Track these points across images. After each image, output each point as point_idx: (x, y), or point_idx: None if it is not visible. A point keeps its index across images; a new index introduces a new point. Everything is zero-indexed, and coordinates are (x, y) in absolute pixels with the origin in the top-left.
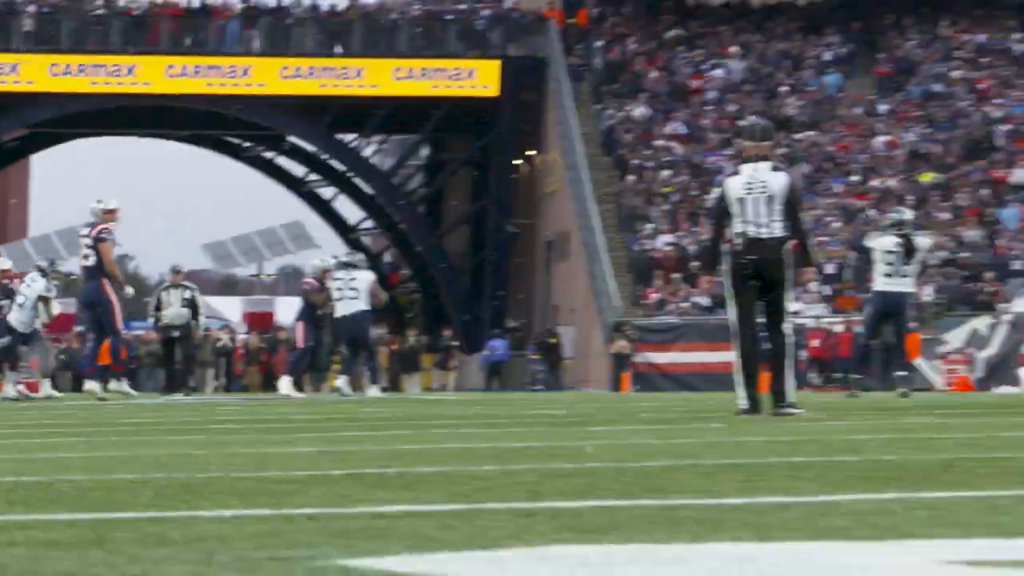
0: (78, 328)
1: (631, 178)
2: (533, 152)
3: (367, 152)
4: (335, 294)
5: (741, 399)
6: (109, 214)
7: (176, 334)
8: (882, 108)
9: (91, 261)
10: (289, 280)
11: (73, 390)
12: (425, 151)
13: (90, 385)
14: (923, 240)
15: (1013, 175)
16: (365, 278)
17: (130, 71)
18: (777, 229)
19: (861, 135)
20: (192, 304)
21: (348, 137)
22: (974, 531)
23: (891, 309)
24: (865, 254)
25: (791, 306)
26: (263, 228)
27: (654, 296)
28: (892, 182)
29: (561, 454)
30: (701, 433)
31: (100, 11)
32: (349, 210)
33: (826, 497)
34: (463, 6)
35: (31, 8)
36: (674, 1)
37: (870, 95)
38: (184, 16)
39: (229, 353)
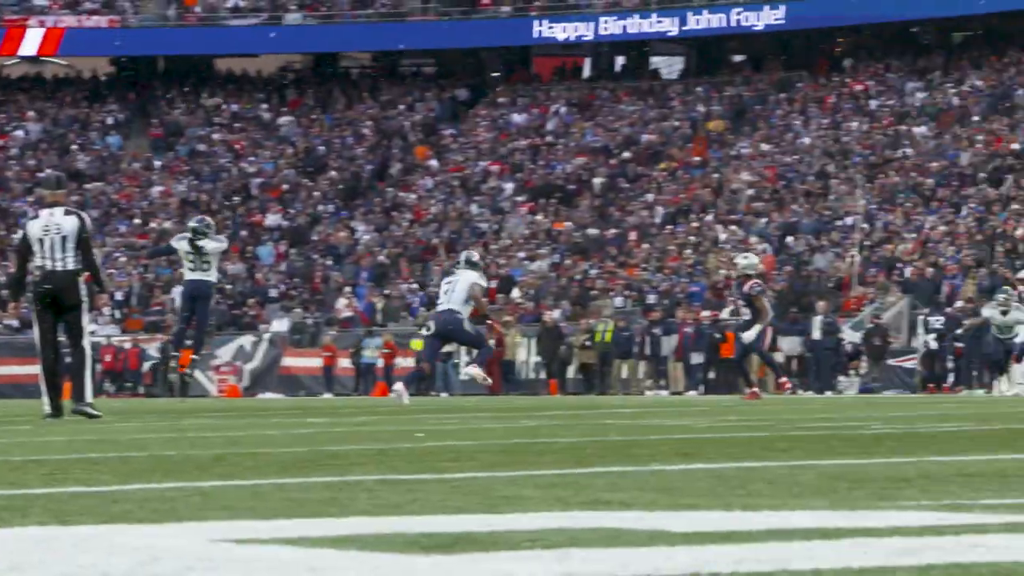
0: None
1: None
2: None
3: None
4: None
5: (46, 405)
6: None
7: None
8: (157, 163)
9: None
10: None
11: None
12: None
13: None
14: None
15: (267, 219)
16: None
17: None
18: (71, 263)
19: (140, 186)
20: None
21: None
22: (240, 514)
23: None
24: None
25: (88, 326)
26: None
27: None
28: (168, 224)
29: None
30: (11, 434)
31: None
32: None
33: (117, 487)
34: None
35: None
36: None
37: (147, 153)
38: None
39: None
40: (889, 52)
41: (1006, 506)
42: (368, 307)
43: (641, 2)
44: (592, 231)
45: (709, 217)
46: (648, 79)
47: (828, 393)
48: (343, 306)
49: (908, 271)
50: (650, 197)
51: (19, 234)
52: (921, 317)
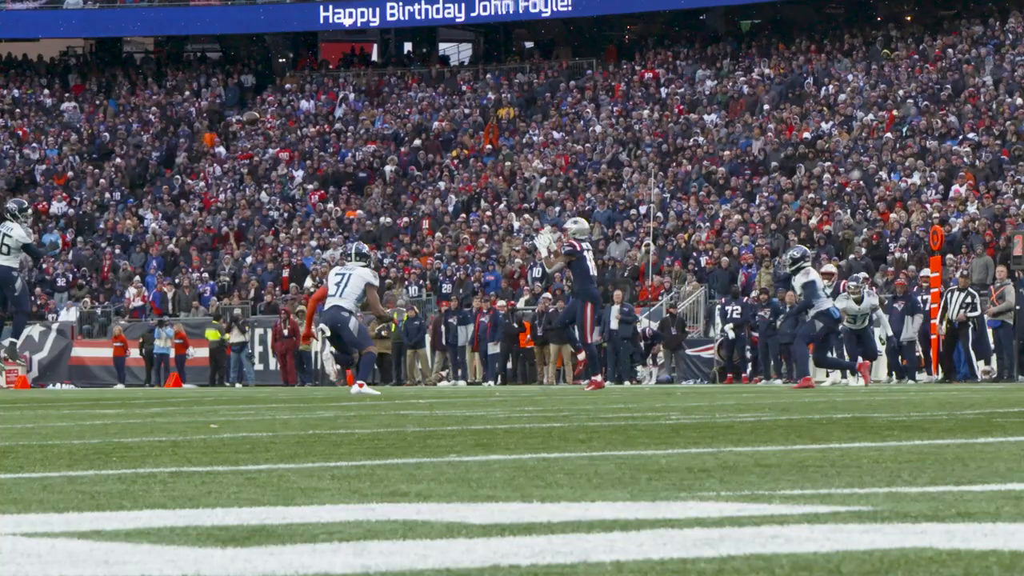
0: None
1: None
2: None
3: None
4: None
5: None
6: None
7: None
8: None
9: None
10: None
11: None
12: None
13: None
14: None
15: (52, 207)
16: None
17: None
18: None
19: None
20: None
21: None
22: (30, 507)
23: None
24: None
25: None
26: None
27: None
28: None
29: None
30: None
31: None
32: None
33: None
34: None
35: None
36: None
37: None
38: None
39: None
40: (678, 39)
41: (805, 496)
42: (158, 296)
43: None
44: (385, 219)
45: (502, 206)
46: (437, 65)
47: (627, 383)
48: (133, 295)
49: (704, 260)
50: (442, 185)
51: None
52: (718, 306)
